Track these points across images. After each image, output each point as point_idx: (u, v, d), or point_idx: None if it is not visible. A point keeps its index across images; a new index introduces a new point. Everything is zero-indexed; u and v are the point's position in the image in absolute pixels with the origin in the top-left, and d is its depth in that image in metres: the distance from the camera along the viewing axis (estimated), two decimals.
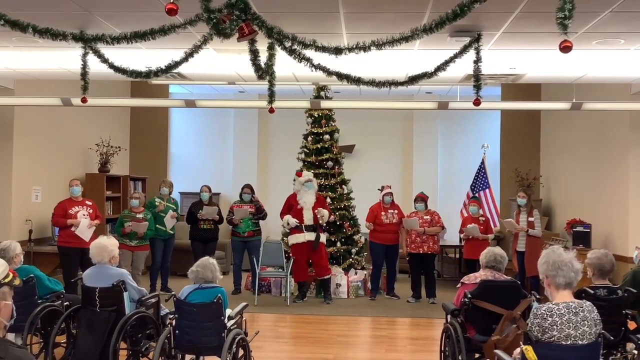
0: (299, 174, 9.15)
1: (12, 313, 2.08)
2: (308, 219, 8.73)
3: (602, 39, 5.43)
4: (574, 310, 3.11)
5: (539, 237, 8.51)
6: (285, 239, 9.60)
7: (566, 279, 3.18)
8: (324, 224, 8.97)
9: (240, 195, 9.48)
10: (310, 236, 8.72)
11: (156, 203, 9.03)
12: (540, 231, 8.60)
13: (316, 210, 8.74)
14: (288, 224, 8.83)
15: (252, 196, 9.38)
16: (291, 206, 8.93)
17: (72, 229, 7.74)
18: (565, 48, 3.65)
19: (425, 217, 9.05)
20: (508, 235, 10.44)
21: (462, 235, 9.15)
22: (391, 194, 9.24)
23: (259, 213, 9.26)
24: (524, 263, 8.46)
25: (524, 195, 8.74)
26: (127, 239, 8.29)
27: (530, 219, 8.54)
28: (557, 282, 3.18)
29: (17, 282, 2.08)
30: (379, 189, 9.39)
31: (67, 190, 9.32)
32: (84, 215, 7.88)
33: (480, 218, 9.07)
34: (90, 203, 8.17)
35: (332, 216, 9.19)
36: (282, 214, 9.01)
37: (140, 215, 8.51)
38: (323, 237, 8.89)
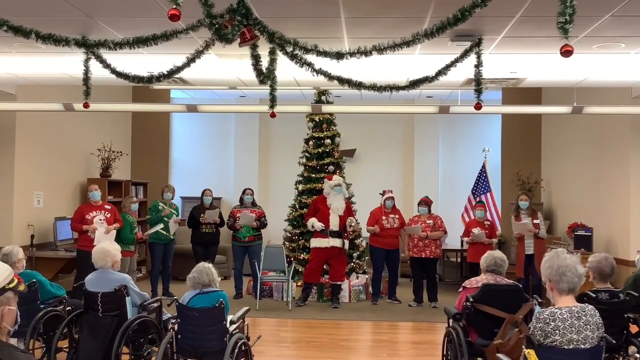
0: (329, 177, 9.13)
1: (16, 318, 2.08)
2: (334, 225, 8.70)
3: (603, 43, 5.45)
4: (576, 315, 3.11)
5: (544, 239, 8.54)
6: (287, 243, 9.60)
7: (569, 285, 3.17)
8: (350, 233, 9.00)
9: (241, 200, 9.50)
10: (334, 242, 8.70)
11: (160, 207, 9.04)
12: (545, 233, 8.65)
13: (348, 221, 8.76)
14: (313, 226, 8.78)
15: (254, 200, 9.41)
16: (317, 209, 8.87)
17: (89, 234, 7.76)
18: (566, 52, 3.65)
19: (428, 222, 9.05)
20: (510, 239, 10.44)
21: (467, 240, 9.11)
22: (392, 198, 9.24)
23: (262, 227, 9.32)
24: (529, 266, 8.45)
25: (527, 198, 8.73)
26: (132, 245, 8.29)
27: (536, 221, 8.53)
28: (560, 288, 3.18)
29: (22, 287, 2.09)
30: (380, 193, 9.40)
31: (71, 196, 9.37)
32: (100, 220, 7.89)
33: (486, 222, 9.07)
34: (110, 207, 8.19)
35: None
36: (308, 216, 8.97)
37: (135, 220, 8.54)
38: (346, 243, 8.91)
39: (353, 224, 8.90)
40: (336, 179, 8.98)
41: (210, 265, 4.82)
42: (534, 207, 9.03)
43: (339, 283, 8.92)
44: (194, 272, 4.77)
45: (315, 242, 8.81)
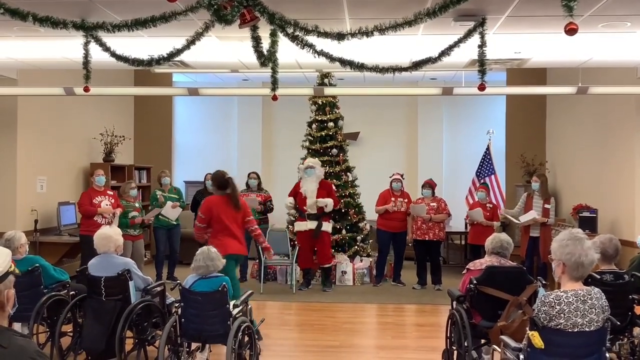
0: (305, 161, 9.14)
1: (14, 302, 2.09)
2: (310, 207, 8.69)
3: (608, 22, 5.37)
4: (582, 299, 3.08)
5: (551, 225, 8.52)
6: (290, 227, 9.60)
7: (583, 274, 3.16)
8: (328, 212, 8.89)
9: (247, 183, 9.48)
10: (312, 224, 8.69)
11: (158, 196, 9.02)
12: (554, 219, 8.60)
13: (315, 200, 8.63)
14: (287, 206, 8.88)
15: (259, 182, 9.41)
16: (297, 193, 8.92)
17: (96, 217, 7.76)
18: (571, 31, 3.61)
19: (431, 204, 9.03)
20: (514, 223, 10.42)
21: (467, 220, 9.13)
22: (399, 180, 9.21)
23: (269, 211, 9.31)
24: (534, 248, 8.44)
25: (536, 179, 8.68)
26: (132, 229, 8.27)
27: (547, 206, 8.47)
28: (572, 275, 3.15)
29: (16, 270, 2.10)
30: (390, 177, 9.37)
31: (74, 181, 9.36)
32: (107, 205, 7.93)
33: (488, 205, 9.05)
34: (112, 193, 8.20)
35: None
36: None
37: (136, 205, 8.52)
38: (328, 226, 8.86)
39: (327, 205, 8.68)
40: (308, 161, 8.95)
41: (213, 250, 4.80)
42: (550, 191, 8.94)
43: (326, 266, 8.89)
44: (196, 256, 4.76)
45: (297, 226, 8.88)
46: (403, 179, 9.37)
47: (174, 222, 9.03)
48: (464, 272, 5.05)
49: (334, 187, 9.11)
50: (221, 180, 6.22)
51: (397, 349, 6.12)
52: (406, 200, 9.15)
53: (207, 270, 4.70)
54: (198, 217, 6.17)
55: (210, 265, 4.71)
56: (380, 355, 5.92)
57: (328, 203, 8.69)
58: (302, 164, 9.05)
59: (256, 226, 6.36)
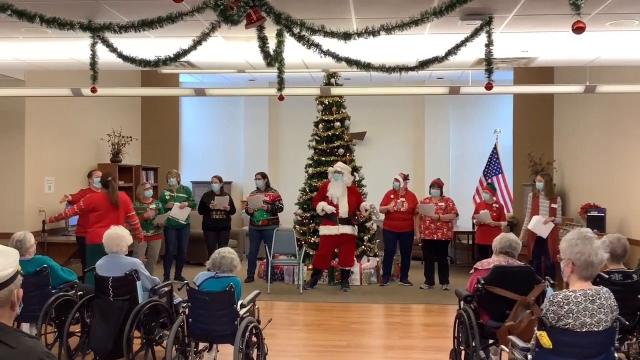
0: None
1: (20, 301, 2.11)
2: (343, 212, 8.64)
3: (616, 20, 5.34)
4: (590, 298, 3.07)
5: (558, 224, 8.47)
6: (297, 227, 9.59)
7: (591, 273, 3.14)
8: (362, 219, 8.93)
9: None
10: (344, 229, 8.65)
11: (166, 197, 9.03)
12: (561, 218, 8.56)
13: (363, 210, 8.70)
14: (323, 210, 8.69)
15: (267, 182, 9.38)
16: (324, 196, 8.81)
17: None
18: (578, 29, 3.59)
19: (439, 204, 9.01)
20: (521, 222, 10.39)
21: (474, 222, 9.10)
22: (398, 180, 9.18)
23: (275, 210, 9.26)
24: (540, 247, 8.40)
25: (540, 178, 8.63)
26: (144, 229, 8.28)
27: (554, 205, 8.41)
28: (581, 274, 3.13)
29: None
30: None
31: (82, 181, 9.38)
32: None
33: (494, 205, 9.02)
34: None
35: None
36: (315, 202, 8.90)
37: (152, 206, 8.53)
38: (355, 230, 8.85)
39: (368, 209, 8.81)
40: (337, 165, 8.89)
41: (234, 254, 4.78)
42: (554, 188, 8.89)
43: (348, 268, 8.90)
44: (217, 252, 4.76)
45: (324, 230, 8.77)
46: (408, 179, 9.33)
47: (184, 222, 9.02)
48: (471, 271, 5.03)
49: None
50: (105, 182, 7.42)
51: (404, 349, 6.11)
52: (405, 200, 9.11)
53: (232, 265, 4.69)
54: (77, 205, 7.40)
55: (234, 258, 4.71)
56: (388, 355, 5.91)
57: (368, 207, 8.80)
58: (332, 166, 8.98)
59: (136, 221, 7.60)
